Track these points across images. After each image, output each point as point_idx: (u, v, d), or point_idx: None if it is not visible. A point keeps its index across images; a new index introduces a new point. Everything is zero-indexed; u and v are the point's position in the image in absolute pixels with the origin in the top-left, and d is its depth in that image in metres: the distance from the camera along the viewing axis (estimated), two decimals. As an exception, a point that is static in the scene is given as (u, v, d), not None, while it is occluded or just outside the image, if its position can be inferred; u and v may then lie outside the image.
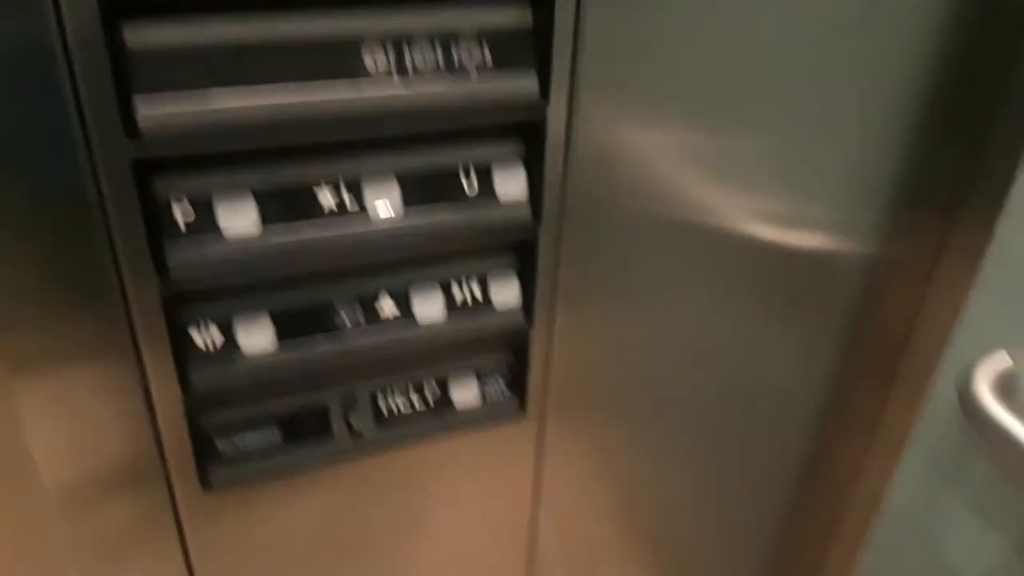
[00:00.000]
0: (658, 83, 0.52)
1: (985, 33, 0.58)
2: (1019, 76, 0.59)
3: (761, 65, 0.54)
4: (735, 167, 0.58)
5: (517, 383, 0.62)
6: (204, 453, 0.52)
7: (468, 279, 0.55)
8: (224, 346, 0.50)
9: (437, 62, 0.46)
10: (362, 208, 0.49)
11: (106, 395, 0.48)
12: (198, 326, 0.49)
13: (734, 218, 0.61)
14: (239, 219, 0.46)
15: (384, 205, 0.49)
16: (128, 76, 0.39)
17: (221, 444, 0.53)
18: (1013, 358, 0.63)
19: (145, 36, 0.39)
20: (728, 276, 0.64)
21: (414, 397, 0.59)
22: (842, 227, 0.66)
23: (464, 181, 0.51)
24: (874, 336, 0.75)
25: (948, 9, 0.56)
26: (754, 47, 0.53)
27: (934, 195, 0.66)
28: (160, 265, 0.45)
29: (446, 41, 0.45)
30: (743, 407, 0.75)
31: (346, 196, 0.48)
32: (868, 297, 0.72)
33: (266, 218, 0.46)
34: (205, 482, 0.52)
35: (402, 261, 0.53)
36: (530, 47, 0.47)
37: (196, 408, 0.50)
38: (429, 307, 0.54)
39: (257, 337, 0.50)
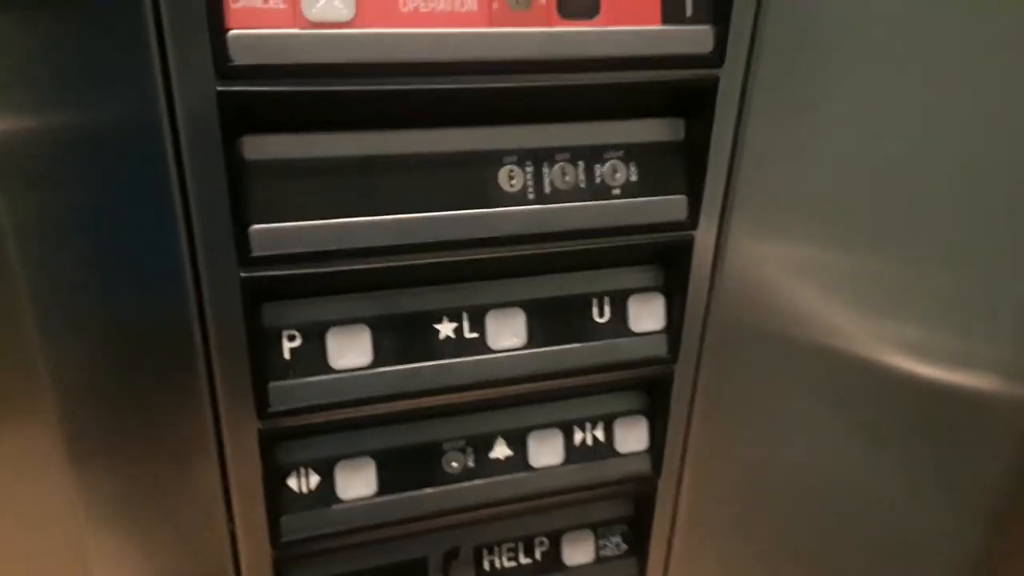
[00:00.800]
0: (816, 204, 0.46)
1: None
2: None
3: (925, 182, 0.47)
4: (892, 295, 0.51)
5: (637, 540, 0.54)
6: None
7: (592, 421, 0.48)
8: (319, 489, 0.44)
9: (578, 180, 0.41)
10: (483, 340, 0.43)
11: (188, 538, 0.42)
12: (294, 468, 0.43)
13: (888, 352, 0.53)
14: (351, 353, 0.41)
15: (508, 338, 0.43)
16: (244, 192, 0.36)
17: (309, 605, 0.46)
18: None
19: (265, 149, 0.36)
20: (879, 418, 0.56)
21: (521, 553, 0.51)
22: (1009, 366, 0.57)
23: (596, 311, 0.45)
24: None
25: None
26: (919, 163, 0.47)
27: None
28: (261, 402, 0.39)
29: (589, 158, 0.41)
30: (889, 563, 0.65)
31: (467, 327, 0.43)
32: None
33: (379, 351, 0.41)
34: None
35: (521, 399, 0.46)
36: (681, 165, 0.42)
37: (285, 558, 0.44)
38: (546, 451, 0.48)
39: (357, 481, 0.44)
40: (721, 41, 0.39)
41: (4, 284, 0.34)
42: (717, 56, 0.39)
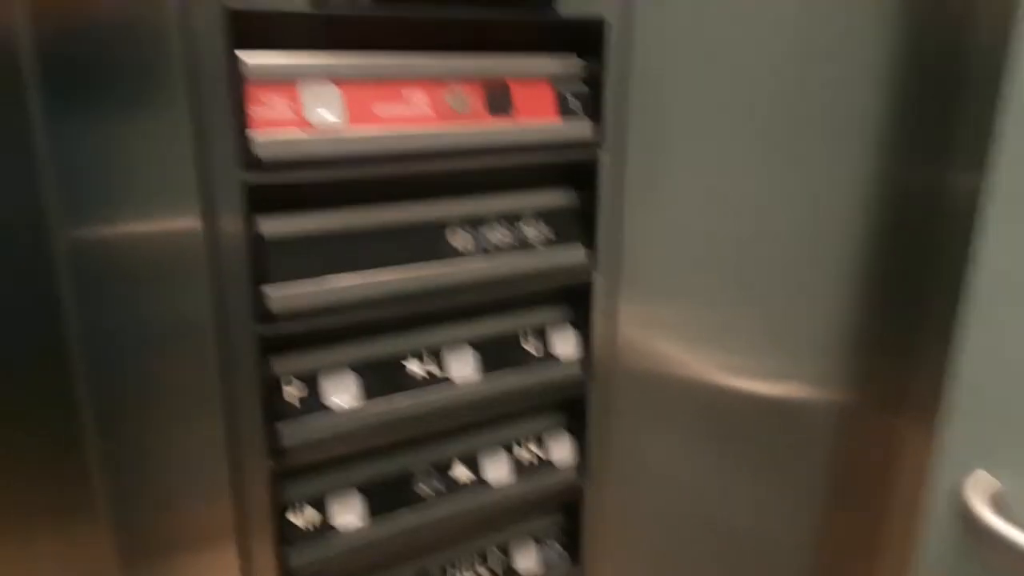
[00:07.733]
0: (681, 262, 0.60)
1: (912, 235, 0.71)
2: (948, 263, 0.72)
3: (751, 256, 0.64)
4: (731, 335, 0.67)
5: (572, 544, 0.63)
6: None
7: (528, 439, 0.59)
8: (320, 525, 0.50)
9: (507, 237, 0.53)
10: (444, 375, 0.53)
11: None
12: (296, 505, 0.49)
13: (729, 377, 0.68)
14: (343, 393, 0.49)
15: (463, 369, 0.53)
16: (262, 263, 0.44)
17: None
18: (995, 476, 0.69)
19: (277, 227, 0.45)
20: (728, 428, 0.70)
21: (479, 567, 0.59)
22: (810, 377, 0.75)
23: (526, 343, 0.56)
24: (857, 471, 0.81)
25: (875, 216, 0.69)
26: (745, 241, 0.64)
27: (891, 344, 0.77)
28: (272, 442, 0.46)
29: (513, 221, 0.53)
30: (749, 550, 0.78)
31: (431, 365, 0.52)
32: (848, 437, 0.79)
33: (363, 389, 0.50)
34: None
35: (473, 424, 0.56)
36: (581, 224, 0.56)
37: (289, 592, 0.50)
38: (497, 469, 0.57)
39: (350, 514, 0.51)
40: (600, 131, 0.54)
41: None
42: (598, 141, 0.54)
